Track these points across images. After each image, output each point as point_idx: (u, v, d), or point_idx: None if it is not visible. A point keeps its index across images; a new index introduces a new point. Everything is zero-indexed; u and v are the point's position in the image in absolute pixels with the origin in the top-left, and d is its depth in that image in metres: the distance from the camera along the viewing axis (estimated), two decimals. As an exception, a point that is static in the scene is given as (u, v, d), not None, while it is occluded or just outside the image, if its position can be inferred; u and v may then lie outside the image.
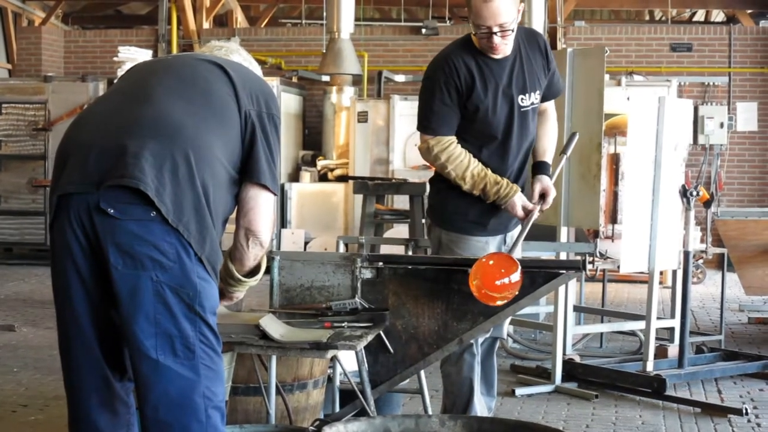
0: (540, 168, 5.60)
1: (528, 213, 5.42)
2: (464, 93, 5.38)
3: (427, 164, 5.68)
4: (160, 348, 3.74)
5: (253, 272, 4.17)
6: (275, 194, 4.07)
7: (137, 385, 3.83)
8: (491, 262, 4.82)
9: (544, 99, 5.65)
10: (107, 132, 3.82)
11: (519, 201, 5.42)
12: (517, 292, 4.78)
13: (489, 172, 5.40)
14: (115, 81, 4.29)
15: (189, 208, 3.76)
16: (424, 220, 9.95)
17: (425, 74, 5.54)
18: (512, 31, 5.28)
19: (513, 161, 5.53)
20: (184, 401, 3.77)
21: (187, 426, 3.79)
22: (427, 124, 5.47)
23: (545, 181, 5.52)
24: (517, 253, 5.54)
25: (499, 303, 4.79)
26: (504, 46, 5.34)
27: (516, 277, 4.77)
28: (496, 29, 5.23)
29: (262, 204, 4.02)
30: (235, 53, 4.39)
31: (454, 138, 5.42)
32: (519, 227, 5.67)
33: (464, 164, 5.38)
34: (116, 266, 3.70)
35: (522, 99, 5.47)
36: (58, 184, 3.83)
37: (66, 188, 3.78)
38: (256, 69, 4.41)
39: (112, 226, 3.70)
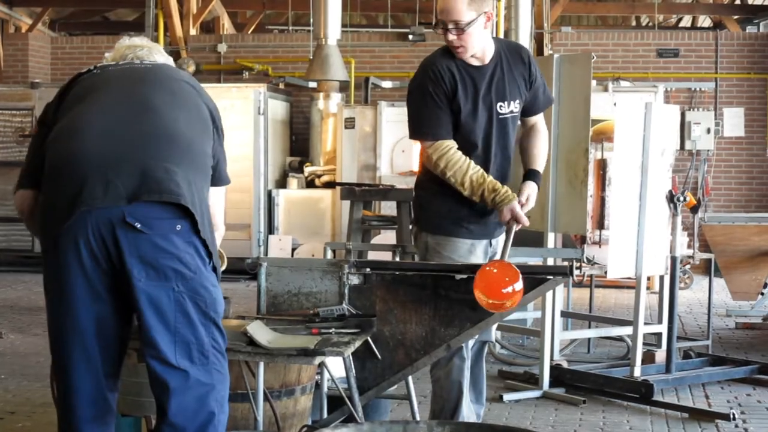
0: (529, 175, 5.60)
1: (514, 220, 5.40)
2: (450, 96, 5.42)
3: (414, 170, 5.69)
4: (179, 355, 3.88)
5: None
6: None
7: (156, 392, 3.93)
8: (495, 270, 4.81)
9: (531, 111, 5.69)
10: (123, 146, 3.88)
11: (509, 210, 5.38)
12: (519, 300, 4.80)
13: (488, 177, 5.41)
14: (81, 85, 4.26)
15: (206, 219, 3.95)
16: (411, 227, 9.96)
17: (412, 84, 5.59)
18: (464, 31, 5.32)
19: (493, 168, 5.54)
20: (202, 406, 3.92)
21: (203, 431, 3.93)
22: (424, 130, 5.50)
23: (529, 188, 5.52)
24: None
25: (504, 311, 4.83)
26: (461, 48, 5.40)
27: (519, 285, 4.78)
28: (450, 26, 5.33)
29: (219, 199, 4.29)
30: (156, 52, 4.49)
31: (451, 142, 5.43)
32: (504, 234, 5.69)
33: (463, 170, 5.39)
34: (139, 279, 3.80)
35: (501, 106, 5.52)
36: (78, 199, 3.80)
37: (91, 203, 3.78)
38: (167, 56, 4.55)
39: (137, 240, 3.79)
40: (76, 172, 3.83)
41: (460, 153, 5.42)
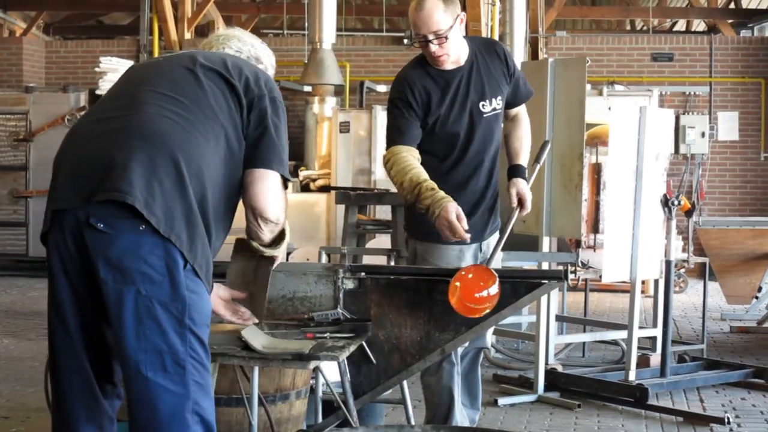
0: (514, 171, 5.59)
1: (454, 231, 5.15)
2: (422, 109, 5.44)
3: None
4: (149, 364, 3.70)
5: (277, 241, 4.21)
6: (285, 177, 4.08)
7: (128, 400, 3.79)
8: (470, 275, 4.80)
9: (512, 104, 5.69)
10: (95, 144, 3.81)
11: (453, 211, 5.10)
12: (495, 304, 4.77)
13: (428, 181, 5.23)
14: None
15: (179, 216, 3.73)
16: (405, 231, 9.96)
17: (388, 97, 5.61)
18: (447, 38, 5.32)
19: (479, 167, 5.54)
20: (174, 418, 3.73)
21: None
22: (388, 139, 5.52)
23: (520, 185, 5.50)
24: (496, 263, 5.54)
25: (479, 315, 4.78)
26: (444, 56, 5.40)
27: (494, 289, 4.74)
28: (431, 37, 5.31)
29: (261, 182, 4.01)
30: (233, 39, 4.39)
31: (405, 147, 5.40)
32: (496, 235, 5.66)
33: (404, 171, 5.31)
34: (106, 281, 3.67)
35: (483, 105, 5.51)
36: (52, 198, 3.82)
37: (58, 204, 3.76)
38: (260, 49, 4.45)
39: (102, 241, 3.67)
40: (57, 173, 3.84)
41: (409, 157, 5.36)
